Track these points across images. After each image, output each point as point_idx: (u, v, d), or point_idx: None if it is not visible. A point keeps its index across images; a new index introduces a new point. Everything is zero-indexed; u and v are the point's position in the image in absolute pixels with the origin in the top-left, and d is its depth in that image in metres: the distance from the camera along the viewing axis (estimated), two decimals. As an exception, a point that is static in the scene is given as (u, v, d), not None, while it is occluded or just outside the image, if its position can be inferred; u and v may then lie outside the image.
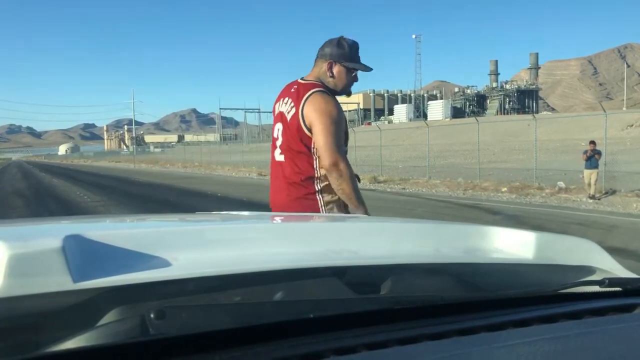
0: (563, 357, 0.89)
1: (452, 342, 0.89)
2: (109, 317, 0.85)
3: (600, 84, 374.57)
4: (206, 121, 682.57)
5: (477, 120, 22.43)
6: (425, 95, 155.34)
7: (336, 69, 2.92)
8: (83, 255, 0.87)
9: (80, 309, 0.85)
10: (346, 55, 2.91)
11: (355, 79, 3.00)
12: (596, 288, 1.17)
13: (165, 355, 0.77)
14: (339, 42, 2.93)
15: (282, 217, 1.90)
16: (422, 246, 1.27)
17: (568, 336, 0.96)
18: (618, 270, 1.31)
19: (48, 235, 1.03)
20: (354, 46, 2.95)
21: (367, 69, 2.95)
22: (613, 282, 1.17)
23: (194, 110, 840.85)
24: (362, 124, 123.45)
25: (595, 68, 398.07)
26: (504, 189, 16.88)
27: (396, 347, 0.85)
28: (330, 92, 2.90)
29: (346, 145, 2.93)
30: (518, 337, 0.94)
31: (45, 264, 0.81)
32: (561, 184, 16.82)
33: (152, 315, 0.79)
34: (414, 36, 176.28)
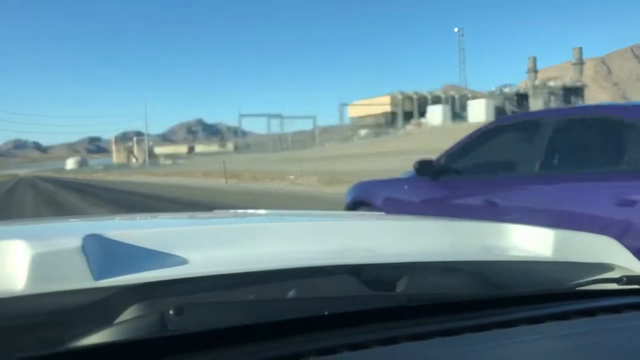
0: (575, 354, 0.90)
1: (464, 339, 0.91)
2: (129, 314, 0.86)
3: (615, 84, 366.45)
4: (213, 132, 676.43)
5: None
6: (457, 96, 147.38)
7: None
8: (103, 254, 0.89)
9: (101, 306, 0.87)
10: None
11: None
12: (614, 285, 1.15)
13: (184, 350, 0.81)
14: None
15: (298, 216, 1.86)
16: (438, 244, 1.24)
17: (581, 333, 0.97)
18: (637, 267, 1.25)
19: (69, 235, 1.04)
20: None
21: None
22: (631, 279, 1.14)
23: (200, 121, 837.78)
24: (390, 128, 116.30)
25: (608, 68, 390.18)
26: None
27: (408, 343, 0.87)
28: None
29: None
30: (529, 334, 0.95)
31: (67, 262, 0.83)
32: None
33: (171, 312, 0.80)
34: (456, 29, 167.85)
